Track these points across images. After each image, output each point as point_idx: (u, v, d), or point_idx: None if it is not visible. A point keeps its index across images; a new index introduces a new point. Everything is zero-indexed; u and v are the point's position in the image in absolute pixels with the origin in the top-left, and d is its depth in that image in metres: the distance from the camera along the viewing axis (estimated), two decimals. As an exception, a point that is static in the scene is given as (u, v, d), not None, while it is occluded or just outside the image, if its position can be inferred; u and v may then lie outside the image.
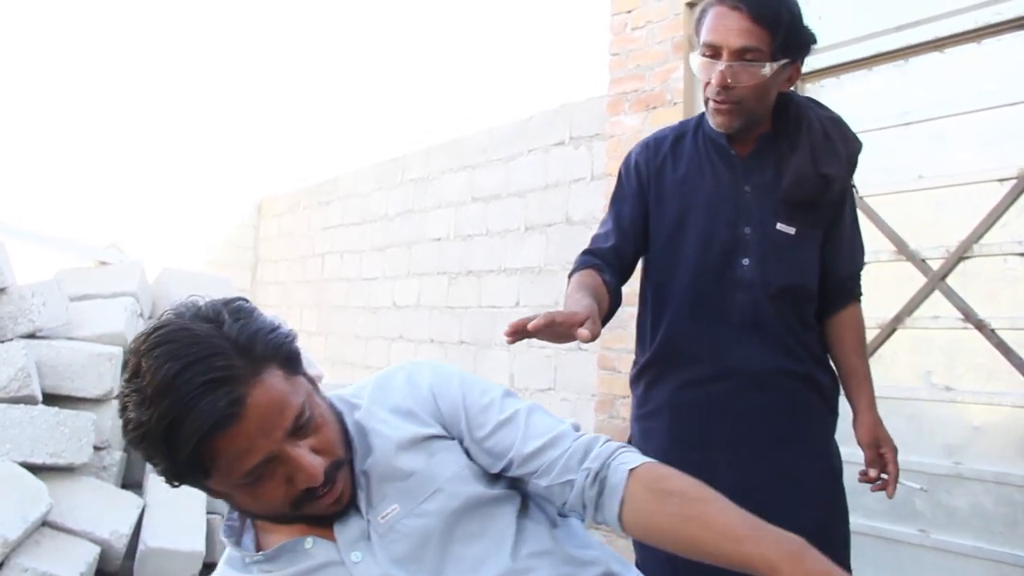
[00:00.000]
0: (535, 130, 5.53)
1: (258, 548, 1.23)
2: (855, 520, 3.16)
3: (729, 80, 1.77)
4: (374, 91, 11.70)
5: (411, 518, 1.20)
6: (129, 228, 8.80)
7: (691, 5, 4.19)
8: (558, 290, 5.09)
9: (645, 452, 1.85)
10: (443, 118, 10.24)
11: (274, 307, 9.35)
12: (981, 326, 3.06)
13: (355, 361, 7.53)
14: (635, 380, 2.06)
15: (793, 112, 1.93)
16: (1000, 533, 2.95)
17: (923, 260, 3.22)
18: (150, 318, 4.45)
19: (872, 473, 1.99)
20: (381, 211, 7.39)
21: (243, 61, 10.57)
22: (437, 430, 1.29)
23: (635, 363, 2.08)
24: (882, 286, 3.35)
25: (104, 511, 3.45)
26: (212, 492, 1.15)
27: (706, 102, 1.87)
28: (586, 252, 1.98)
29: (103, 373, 3.72)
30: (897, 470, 1.98)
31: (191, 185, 9.77)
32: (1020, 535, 2.90)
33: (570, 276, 1.92)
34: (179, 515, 3.64)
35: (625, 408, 4.28)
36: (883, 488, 1.99)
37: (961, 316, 3.11)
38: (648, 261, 2.03)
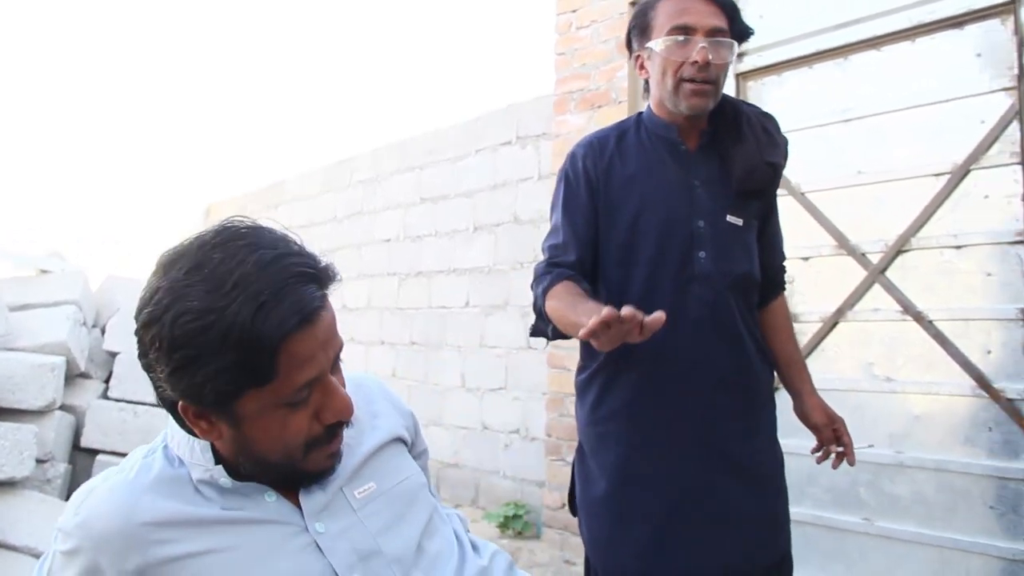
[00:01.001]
0: (483, 130, 5.53)
1: None
2: (803, 510, 3.24)
3: (711, 57, 1.82)
4: (322, 94, 11.64)
5: (387, 497, 1.24)
6: (73, 235, 8.65)
7: (634, 4, 4.23)
8: (508, 290, 5.10)
9: (601, 461, 1.92)
10: (391, 120, 10.23)
11: (223, 312, 9.24)
12: (919, 318, 3.12)
13: (306, 364, 7.46)
14: (585, 385, 2.01)
15: (729, 109, 1.98)
16: (940, 519, 3.02)
17: (863, 254, 3.29)
18: (94, 327, 4.38)
19: (833, 448, 2.06)
20: (329, 213, 7.34)
21: (190, 66, 10.46)
22: (408, 442, 1.39)
23: (583, 368, 2.03)
24: (824, 280, 3.41)
25: (47, 526, 3.37)
26: (232, 424, 1.09)
27: (676, 87, 1.87)
28: (552, 264, 1.94)
29: (45, 384, 3.64)
30: (850, 438, 2.05)
31: (138, 190, 9.63)
32: (959, 521, 2.97)
33: (544, 291, 1.88)
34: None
35: (575, 405, 4.31)
36: (843, 459, 2.05)
37: (900, 308, 3.18)
38: (603, 260, 1.99)
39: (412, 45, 11.85)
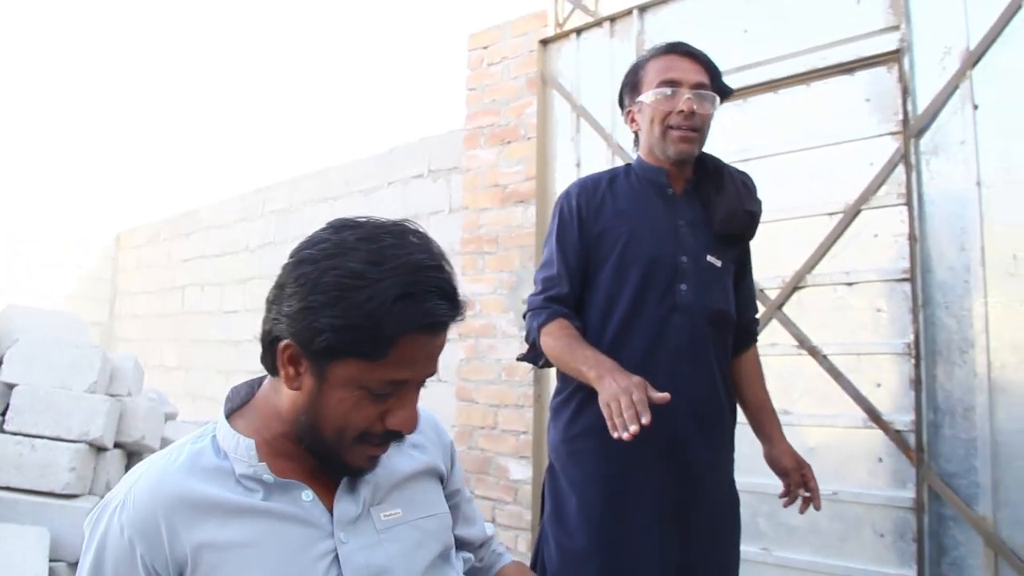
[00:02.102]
0: (396, 162, 5.55)
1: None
2: (702, 541, 3.29)
3: (695, 107, 2.02)
4: (237, 123, 11.51)
5: (411, 528, 1.30)
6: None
7: (544, 42, 4.31)
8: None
9: (572, 477, 2.06)
10: (306, 150, 10.18)
11: (133, 341, 9.04)
12: (814, 352, 3.23)
13: (216, 396, 7.34)
14: (561, 406, 2.13)
15: (710, 163, 2.18)
16: (834, 547, 3.11)
17: (762, 290, 3.38)
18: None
19: (801, 493, 2.19)
20: (243, 243, 7.26)
21: (103, 91, 10.25)
22: (443, 478, 1.46)
23: (559, 391, 2.15)
24: (725, 315, 3.49)
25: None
26: (317, 379, 1.15)
27: (664, 134, 2.06)
28: (548, 299, 2.09)
29: (-63, 415, 3.52)
30: (816, 483, 2.19)
31: (45, 216, 9.38)
32: (851, 548, 3.07)
33: (540, 326, 2.05)
34: (18, 565, 3.47)
35: (485, 439, 4.33)
36: (809, 503, 2.19)
37: (796, 343, 3.29)
38: (591, 285, 2.12)
39: (329, 77, 11.83)
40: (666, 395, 1.67)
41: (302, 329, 1.10)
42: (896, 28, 3.09)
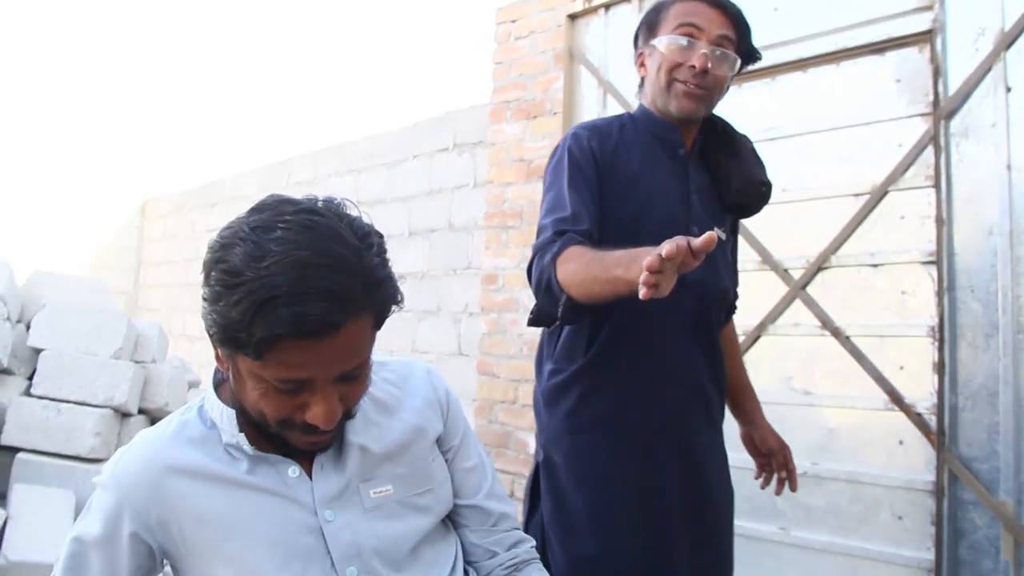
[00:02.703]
0: (420, 136, 5.55)
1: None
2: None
3: (710, 65, 1.78)
4: (262, 94, 11.53)
5: (402, 505, 1.27)
6: (3, 229, 8.47)
7: (573, 17, 4.29)
8: (440, 296, 5.12)
9: (578, 475, 1.83)
10: (330, 123, 10.17)
11: (158, 311, 9.11)
12: (837, 333, 3.22)
13: (238, 366, 7.40)
14: (559, 390, 1.87)
15: (720, 125, 1.99)
16: (853, 529, 3.11)
17: (786, 270, 3.37)
18: (19, 322, 4.30)
19: (781, 475, 2.11)
20: (266, 214, 7.28)
21: (129, 60, 10.28)
22: (440, 435, 1.40)
23: (555, 371, 1.89)
24: (748, 295, 3.46)
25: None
26: (232, 367, 1.14)
27: (669, 85, 1.84)
28: (560, 232, 1.72)
29: (-34, 379, 3.58)
30: (794, 464, 2.12)
31: (72, 185, 9.43)
32: (869, 530, 3.07)
33: (554, 258, 1.66)
34: (44, 527, 3.53)
35: (504, 413, 4.34)
36: (784, 484, 2.11)
37: (819, 324, 3.27)
38: None
39: (352, 50, 11.80)
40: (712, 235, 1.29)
41: (204, 316, 1.09)
42: (929, 8, 3.05)
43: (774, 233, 3.42)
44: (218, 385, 1.28)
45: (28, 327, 4.15)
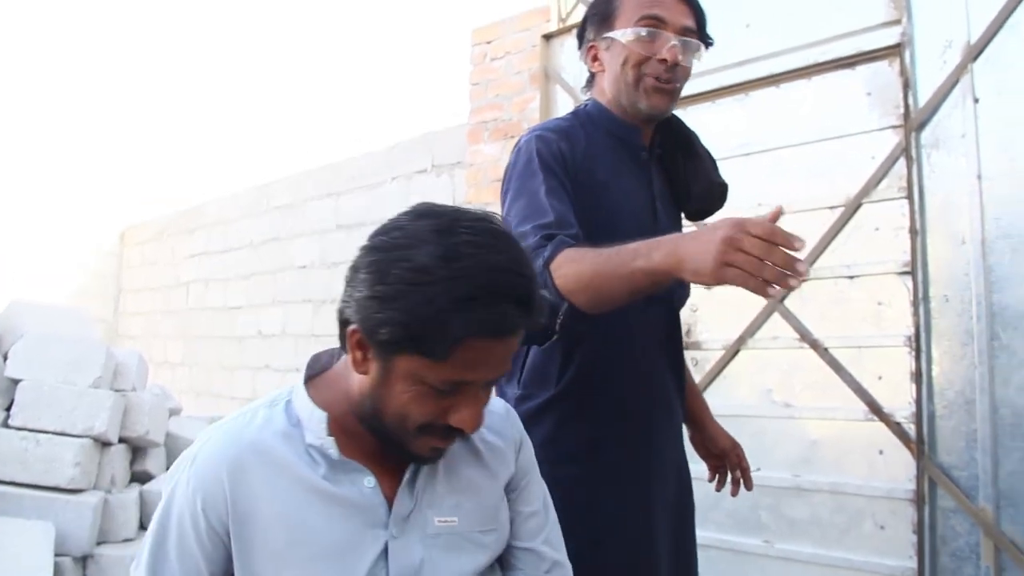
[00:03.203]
0: (399, 158, 5.57)
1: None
2: (706, 534, 3.30)
3: (680, 57, 1.69)
4: (240, 119, 11.52)
5: (463, 539, 1.25)
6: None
7: (547, 37, 4.32)
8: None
9: (557, 509, 1.55)
10: (309, 146, 10.18)
11: (138, 338, 9.07)
12: (815, 345, 3.24)
13: (221, 392, 7.37)
14: (534, 416, 1.69)
15: (675, 123, 1.89)
16: (836, 540, 3.12)
17: (763, 283, 3.38)
18: (-4, 352, 4.28)
19: (736, 475, 2.05)
20: (246, 239, 7.28)
21: (106, 87, 10.27)
22: (511, 477, 1.36)
23: (527, 396, 1.74)
24: (726, 309, 3.51)
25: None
26: (381, 367, 1.12)
27: (637, 81, 1.72)
28: (548, 236, 1.54)
29: (-58, 410, 3.54)
30: (748, 464, 2.06)
31: (51, 214, 9.40)
32: (852, 540, 3.08)
33: (547, 262, 1.48)
34: (24, 559, 3.49)
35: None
36: (739, 485, 2.05)
37: (798, 336, 3.29)
38: None
39: (332, 73, 11.83)
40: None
41: (367, 317, 1.08)
42: (897, 22, 3.10)
43: (751, 247, 3.42)
44: (307, 382, 1.27)
45: (5, 358, 4.12)
